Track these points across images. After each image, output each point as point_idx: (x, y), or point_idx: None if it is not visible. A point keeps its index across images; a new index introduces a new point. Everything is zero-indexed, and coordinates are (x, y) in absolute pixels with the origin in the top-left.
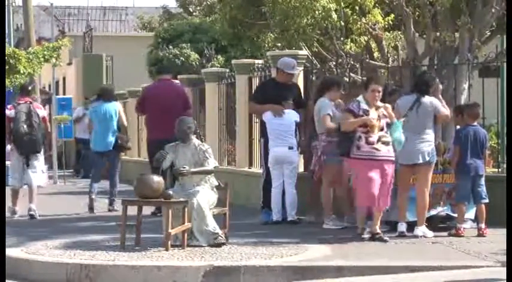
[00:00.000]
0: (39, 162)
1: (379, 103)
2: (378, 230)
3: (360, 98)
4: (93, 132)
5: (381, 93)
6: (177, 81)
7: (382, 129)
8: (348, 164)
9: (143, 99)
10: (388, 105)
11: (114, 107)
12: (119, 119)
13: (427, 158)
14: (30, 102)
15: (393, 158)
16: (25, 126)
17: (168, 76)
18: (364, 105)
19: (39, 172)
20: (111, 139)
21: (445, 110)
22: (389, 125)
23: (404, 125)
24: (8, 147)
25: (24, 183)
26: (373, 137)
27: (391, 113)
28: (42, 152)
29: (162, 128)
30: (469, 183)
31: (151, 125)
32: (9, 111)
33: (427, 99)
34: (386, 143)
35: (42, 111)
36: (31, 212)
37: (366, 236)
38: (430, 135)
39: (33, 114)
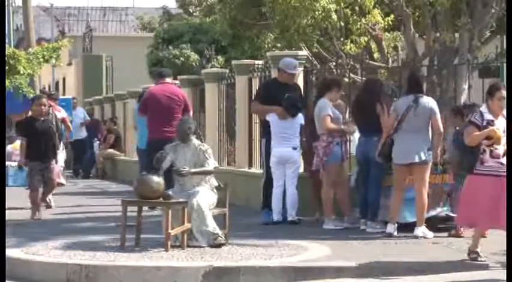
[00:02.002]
0: (58, 159)
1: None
2: (477, 248)
3: (483, 107)
4: (138, 131)
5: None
6: (176, 82)
7: None
8: (470, 181)
9: (145, 101)
10: None
11: None
12: None
13: (423, 158)
14: (50, 106)
15: None
16: None
17: (169, 79)
18: (488, 116)
19: (57, 169)
20: None
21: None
22: None
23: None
24: None
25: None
26: (499, 150)
27: None
28: (60, 150)
29: (162, 130)
30: None
31: (152, 126)
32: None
33: (425, 99)
34: None
35: (62, 113)
36: (45, 203)
37: (483, 259)
38: (426, 134)
39: (51, 117)
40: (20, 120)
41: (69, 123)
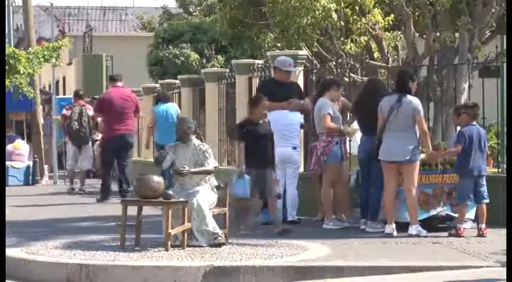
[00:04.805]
0: (89, 150)
1: None
2: None
3: None
4: (157, 129)
5: None
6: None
7: None
8: None
9: (101, 102)
10: None
11: (174, 107)
12: (177, 116)
13: (407, 157)
14: (83, 105)
15: None
16: (76, 123)
17: (120, 83)
18: None
19: (88, 158)
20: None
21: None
22: None
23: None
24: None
25: (77, 167)
26: None
27: None
28: (90, 143)
29: (116, 128)
30: (472, 184)
31: (108, 125)
32: (67, 111)
33: (408, 98)
34: None
35: (91, 111)
36: (80, 191)
37: None
38: (411, 134)
39: (83, 115)
40: (240, 124)
41: (97, 120)
